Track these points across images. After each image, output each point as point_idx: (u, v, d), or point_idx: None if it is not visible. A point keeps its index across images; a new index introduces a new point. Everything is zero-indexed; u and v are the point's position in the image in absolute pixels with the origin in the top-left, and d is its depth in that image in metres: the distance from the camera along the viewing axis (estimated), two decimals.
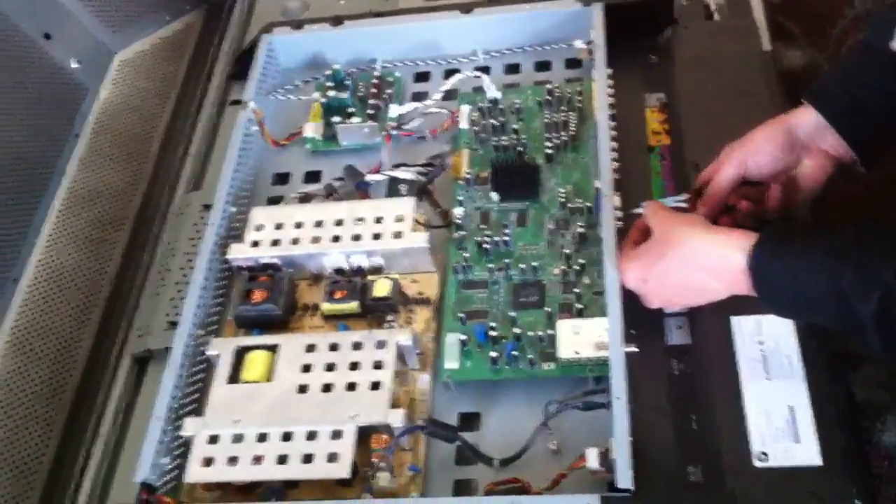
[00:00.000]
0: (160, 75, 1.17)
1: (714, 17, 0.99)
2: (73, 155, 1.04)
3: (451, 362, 0.75)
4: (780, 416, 0.67)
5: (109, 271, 0.98)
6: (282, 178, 0.97)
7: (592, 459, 0.66)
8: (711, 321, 0.74)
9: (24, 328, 0.90)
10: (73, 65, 1.08)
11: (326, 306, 0.80)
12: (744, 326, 0.73)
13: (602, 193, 0.79)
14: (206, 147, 1.04)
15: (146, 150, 1.09)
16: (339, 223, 0.83)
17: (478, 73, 0.95)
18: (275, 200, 0.94)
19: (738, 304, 0.71)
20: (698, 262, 0.68)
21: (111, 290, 0.97)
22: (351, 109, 0.97)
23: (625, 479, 0.63)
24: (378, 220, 0.83)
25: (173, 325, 0.85)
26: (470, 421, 0.75)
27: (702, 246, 0.67)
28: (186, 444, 0.73)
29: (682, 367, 0.73)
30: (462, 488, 0.71)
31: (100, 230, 1.01)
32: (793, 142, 0.74)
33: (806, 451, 0.65)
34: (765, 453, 0.66)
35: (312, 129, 0.97)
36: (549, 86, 0.93)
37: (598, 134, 0.84)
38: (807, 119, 0.73)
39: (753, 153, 0.75)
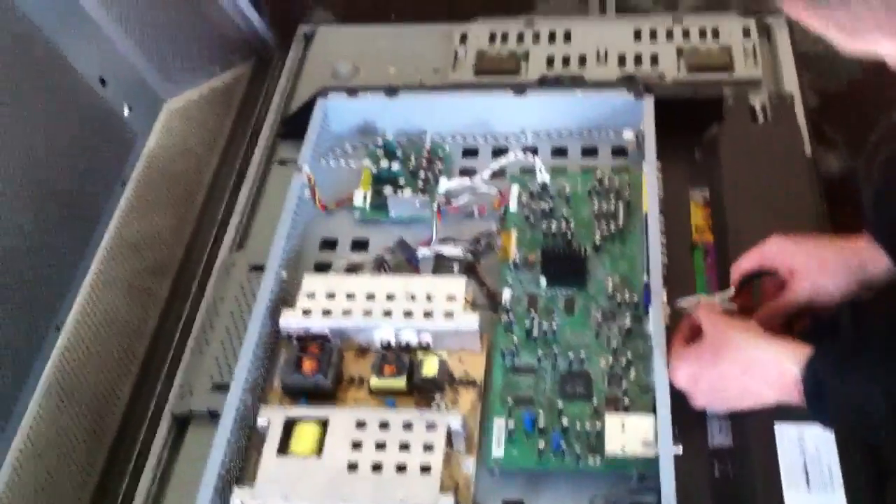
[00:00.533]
0: (208, 126, 1.19)
1: (759, 118, 1.01)
2: (120, 202, 1.05)
3: (499, 450, 0.77)
4: None
5: (150, 322, 0.99)
6: (329, 244, 0.98)
7: None
8: (753, 425, 0.75)
9: (64, 376, 0.90)
10: (126, 111, 1.10)
11: (375, 382, 0.82)
12: (786, 434, 0.74)
13: (652, 290, 0.81)
14: (251, 204, 1.06)
15: (191, 202, 1.10)
16: (390, 297, 0.85)
17: (530, 156, 0.97)
18: (322, 266, 0.96)
19: (780, 410, 0.73)
20: (753, 370, 0.70)
21: (151, 341, 0.98)
22: (402, 180, 0.99)
23: None
24: (429, 298, 0.84)
25: (218, 387, 0.86)
26: None
27: (757, 354, 0.70)
28: None
29: (724, 469, 0.75)
30: None
31: (142, 279, 1.02)
32: (864, 278, 0.76)
33: None
34: None
35: (362, 197, 0.99)
36: (598, 174, 0.96)
37: (649, 229, 0.86)
38: (879, 264, 0.75)
39: (826, 280, 0.77)
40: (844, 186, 1.00)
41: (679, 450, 0.72)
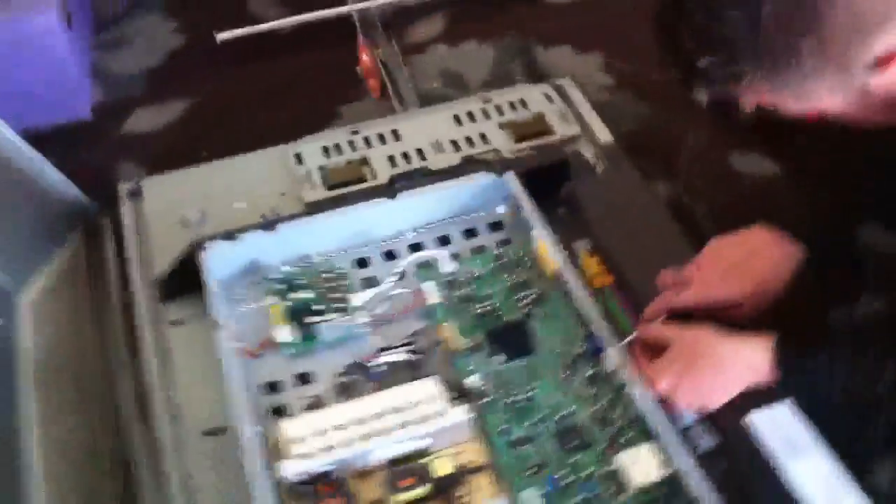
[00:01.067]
0: (71, 308, 1.14)
1: (596, 168, 1.16)
2: (30, 415, 0.99)
3: None
4: (825, 486, 0.82)
5: None
6: (271, 387, 0.99)
7: None
8: (730, 421, 0.88)
9: None
10: None
11: (397, 497, 0.85)
12: (761, 420, 0.87)
13: (596, 335, 0.92)
14: (165, 375, 1.03)
15: (94, 389, 1.05)
16: (378, 416, 0.89)
17: (431, 252, 1.05)
18: (277, 410, 0.97)
19: (747, 401, 0.87)
20: (726, 364, 0.83)
21: None
22: (320, 307, 1.02)
23: None
24: (415, 405, 0.89)
25: None
26: None
27: (727, 348, 0.84)
28: None
29: (723, 468, 0.86)
30: None
31: (91, 483, 0.97)
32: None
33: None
34: None
35: (288, 333, 1.01)
36: (493, 252, 1.06)
37: (570, 284, 0.97)
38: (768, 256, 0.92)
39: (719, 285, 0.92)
40: (676, 210, 1.17)
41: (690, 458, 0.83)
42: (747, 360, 0.83)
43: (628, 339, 0.92)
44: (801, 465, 0.84)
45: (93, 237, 1.24)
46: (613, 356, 0.91)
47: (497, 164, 1.11)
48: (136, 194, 1.24)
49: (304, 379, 0.99)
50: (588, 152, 1.18)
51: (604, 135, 1.21)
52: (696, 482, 0.81)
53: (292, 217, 1.10)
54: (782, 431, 0.87)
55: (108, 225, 1.24)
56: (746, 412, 0.88)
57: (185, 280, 1.06)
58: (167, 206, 1.20)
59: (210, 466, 0.93)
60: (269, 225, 1.08)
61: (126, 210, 1.22)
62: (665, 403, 0.87)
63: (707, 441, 0.88)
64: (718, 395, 0.86)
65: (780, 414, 0.88)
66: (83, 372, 1.08)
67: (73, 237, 1.23)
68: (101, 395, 1.05)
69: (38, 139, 1.22)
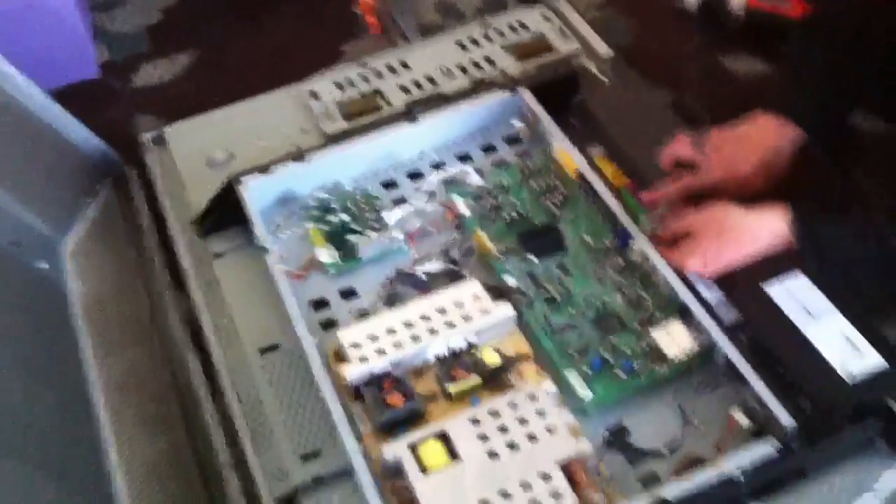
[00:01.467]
0: (113, 254, 1.19)
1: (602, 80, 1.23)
2: (86, 353, 1.04)
3: (585, 392, 0.90)
4: (842, 344, 0.90)
5: (181, 445, 1.00)
6: (319, 305, 1.05)
7: (741, 417, 0.86)
8: (750, 296, 0.95)
9: None
10: (42, 265, 1.08)
11: (454, 388, 0.92)
12: (777, 291, 0.95)
13: (626, 226, 0.99)
14: (214, 302, 1.09)
15: (143, 328, 1.11)
16: (425, 318, 0.95)
17: (461, 167, 1.11)
18: (327, 324, 1.03)
19: (761, 275, 0.94)
20: (751, 235, 0.91)
21: (200, 466, 0.99)
22: (356, 227, 1.08)
23: (786, 417, 0.83)
24: (460, 305, 0.96)
25: (306, 457, 0.92)
26: (620, 433, 0.90)
27: (751, 220, 0.92)
28: None
29: (749, 337, 0.94)
30: (650, 482, 0.86)
31: (150, 410, 1.03)
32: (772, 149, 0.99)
33: (872, 358, 0.89)
34: (848, 371, 0.88)
35: (327, 254, 1.07)
36: (518, 164, 1.12)
37: (593, 184, 1.04)
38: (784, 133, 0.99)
39: (736, 155, 1.00)
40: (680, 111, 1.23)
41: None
42: (769, 227, 0.90)
43: (651, 228, 0.98)
44: (818, 328, 0.91)
45: (122, 187, 1.28)
46: (641, 245, 0.98)
47: (510, 82, 1.17)
48: (159, 142, 1.28)
49: (349, 295, 1.05)
50: (592, 66, 1.24)
51: (603, 49, 1.27)
52: (727, 346, 0.88)
53: (320, 147, 1.15)
54: (797, 299, 0.94)
55: (134, 175, 1.28)
56: (762, 285, 0.95)
57: (222, 215, 1.12)
58: (193, 149, 1.25)
59: (269, 380, 0.98)
60: (299, 156, 1.13)
61: (152, 158, 1.27)
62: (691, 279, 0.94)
63: (730, 315, 0.95)
64: (739, 259, 0.93)
65: (794, 283, 0.95)
66: (131, 311, 1.13)
67: (104, 188, 1.27)
68: (151, 330, 1.10)
69: (54, 98, 1.26)
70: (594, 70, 1.23)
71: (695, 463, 0.85)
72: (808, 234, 0.89)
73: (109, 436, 0.98)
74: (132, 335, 1.10)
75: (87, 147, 1.26)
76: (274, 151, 1.20)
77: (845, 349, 0.90)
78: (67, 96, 1.42)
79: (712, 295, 0.97)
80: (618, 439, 0.89)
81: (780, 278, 0.95)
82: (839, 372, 0.88)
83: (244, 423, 0.97)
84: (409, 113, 1.17)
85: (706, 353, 0.91)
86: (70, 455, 0.94)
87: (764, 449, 0.83)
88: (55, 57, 1.46)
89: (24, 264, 1.05)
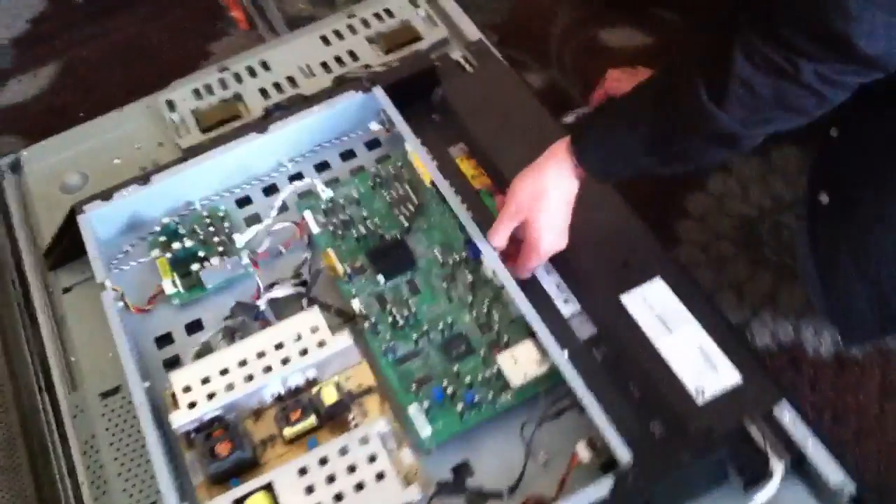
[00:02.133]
0: None
1: (467, 68, 1.15)
2: None
3: (425, 430, 0.84)
4: (695, 357, 0.84)
5: (29, 498, 0.96)
6: (164, 340, 0.99)
7: (583, 452, 0.80)
8: (606, 308, 0.89)
9: None
10: None
11: (288, 431, 0.86)
12: (631, 300, 0.89)
13: (476, 241, 0.92)
14: (60, 342, 1.03)
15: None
16: (261, 355, 0.89)
17: (306, 180, 1.04)
18: (171, 362, 0.97)
19: (621, 285, 0.88)
20: (540, 179, 0.86)
21: None
22: (202, 253, 1.01)
23: (624, 453, 0.77)
24: (296, 338, 0.90)
25: None
26: (463, 471, 0.84)
27: (536, 166, 0.87)
28: None
29: (603, 353, 0.88)
30: None
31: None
32: None
33: (727, 374, 0.83)
34: (699, 389, 0.82)
35: (172, 285, 1.01)
36: (371, 171, 1.05)
37: (444, 192, 0.97)
38: None
39: None
40: (552, 94, 1.16)
41: (566, 353, 0.84)
42: (551, 162, 0.86)
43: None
44: (671, 340, 0.85)
45: None
46: (489, 258, 0.91)
47: (363, 81, 1.09)
48: (16, 167, 1.22)
49: (196, 327, 0.99)
50: (457, 53, 1.16)
51: (472, 32, 1.19)
52: (567, 370, 0.82)
53: (166, 166, 1.09)
54: (653, 308, 0.87)
55: None
56: (620, 295, 0.89)
57: (71, 246, 1.06)
58: (48, 174, 1.19)
59: (108, 427, 0.93)
60: (142, 178, 1.07)
61: (7, 184, 1.21)
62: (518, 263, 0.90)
63: (587, 329, 0.89)
64: (551, 214, 0.88)
65: (651, 291, 0.89)
66: None
67: None
68: (3, 370, 1.05)
69: None
70: (458, 58, 1.15)
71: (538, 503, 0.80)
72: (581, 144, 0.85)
73: None
74: None
75: None
76: (129, 169, 1.14)
77: (698, 364, 0.83)
78: None
79: (569, 308, 0.91)
80: (458, 479, 0.83)
81: (637, 286, 0.89)
82: (689, 390, 0.82)
83: (84, 474, 0.92)
84: (262, 121, 1.10)
85: (552, 379, 0.85)
86: None
87: (603, 487, 0.77)
88: None
89: None
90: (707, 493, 0.78)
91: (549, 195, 0.86)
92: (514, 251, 0.92)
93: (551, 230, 0.88)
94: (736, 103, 0.75)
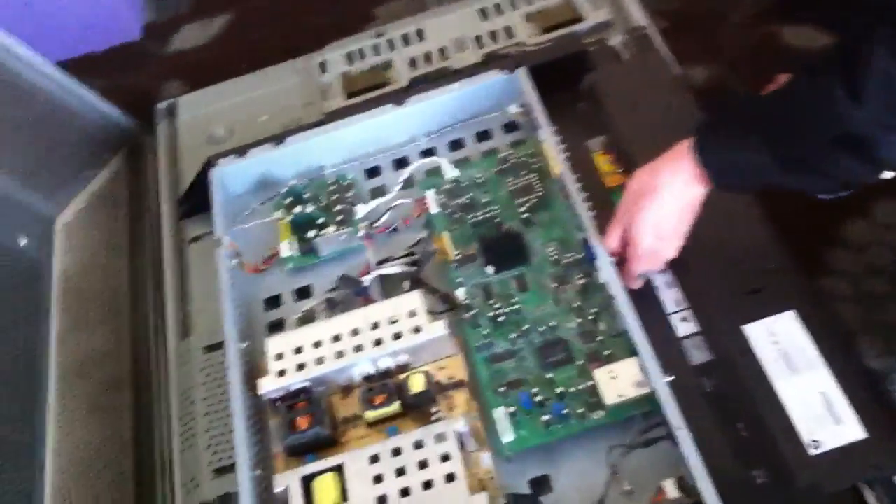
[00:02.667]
0: (106, 229, 1.17)
1: (623, 56, 1.07)
2: (50, 332, 1.03)
3: (507, 436, 0.80)
4: (816, 404, 0.75)
5: (126, 435, 0.98)
6: (273, 302, 0.99)
7: (671, 490, 0.72)
8: (726, 335, 0.81)
9: None
10: (22, 242, 1.07)
11: (370, 414, 0.83)
12: (755, 332, 0.80)
13: (592, 243, 0.85)
14: (180, 291, 1.05)
15: (119, 308, 1.09)
16: (356, 332, 0.87)
17: (432, 158, 1.00)
18: (275, 325, 0.97)
19: (746, 314, 0.79)
20: (658, 183, 0.78)
21: (136, 452, 0.97)
22: (321, 220, 1.00)
23: (712, 498, 0.69)
24: (392, 321, 0.86)
25: (220, 471, 0.87)
26: (541, 484, 0.79)
27: (653, 168, 0.79)
28: None
29: (714, 383, 0.80)
30: None
31: (102, 398, 1.01)
32: None
33: (850, 429, 0.73)
34: (815, 441, 0.73)
35: (288, 248, 1.00)
36: (500, 154, 1.00)
37: (568, 187, 0.90)
38: None
39: None
40: (713, 94, 1.07)
41: (670, 379, 0.77)
42: (669, 165, 0.77)
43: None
44: (792, 382, 0.76)
45: (136, 157, 1.26)
46: (604, 264, 0.84)
47: (510, 60, 1.04)
48: (171, 113, 1.25)
49: (304, 294, 0.98)
50: (617, 39, 1.09)
51: (638, 16, 1.11)
52: (667, 400, 0.75)
53: (302, 129, 1.08)
54: (781, 344, 0.78)
55: (149, 144, 1.25)
56: (744, 324, 0.80)
57: (203, 197, 1.07)
58: (198, 123, 1.21)
59: (204, 381, 0.94)
60: (278, 139, 1.07)
61: (161, 129, 1.24)
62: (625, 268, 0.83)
63: (701, 354, 0.82)
64: (667, 221, 0.79)
65: (780, 324, 0.79)
66: (108, 291, 1.11)
67: (116, 159, 1.25)
68: (124, 314, 1.08)
69: (91, 63, 1.25)
70: (617, 44, 1.07)
71: None
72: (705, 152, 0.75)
73: (56, 417, 0.96)
74: (102, 315, 1.08)
75: (101, 116, 1.24)
76: (273, 128, 1.14)
77: (819, 412, 0.74)
78: (107, 59, 1.42)
79: (685, 328, 0.83)
80: (533, 494, 0.78)
81: (766, 317, 0.80)
82: (803, 439, 0.73)
83: (177, 424, 0.93)
84: (401, 93, 1.07)
85: (649, 404, 0.78)
86: (7, 434, 0.92)
87: None
88: (100, 19, 1.45)
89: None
90: None
91: (659, 194, 0.78)
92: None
93: (655, 233, 0.80)
94: (873, 97, 0.65)
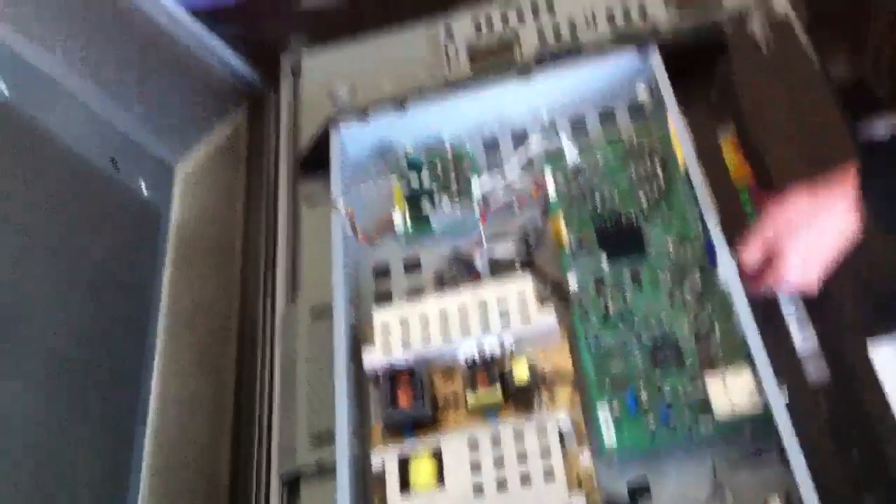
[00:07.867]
0: (224, 182, 1.19)
1: (762, 46, 1.02)
2: (163, 280, 1.06)
3: (610, 438, 0.78)
4: None
5: (228, 391, 1.00)
6: (382, 272, 0.99)
7: None
8: (850, 355, 0.77)
9: (161, 468, 0.91)
10: (143, 186, 1.10)
11: (473, 400, 0.83)
12: (885, 354, 0.76)
13: (715, 241, 0.82)
14: (292, 251, 1.06)
15: (231, 263, 1.10)
16: (463, 312, 0.86)
17: (554, 138, 0.98)
18: (381, 296, 0.96)
19: (876, 332, 0.75)
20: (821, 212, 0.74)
21: (236, 410, 0.98)
22: (436, 192, 0.99)
23: None
24: (501, 303, 0.85)
25: (318, 438, 0.87)
26: (639, 492, 0.77)
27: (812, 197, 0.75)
28: None
29: (832, 403, 0.76)
30: None
31: (208, 352, 1.03)
32: None
33: None
34: None
35: (401, 219, 0.99)
36: (624, 140, 0.97)
37: (693, 181, 0.87)
38: None
39: None
40: (858, 90, 1.01)
41: (786, 395, 0.74)
42: (832, 194, 0.74)
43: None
44: None
45: (257, 110, 1.27)
46: (726, 267, 0.81)
47: (642, 40, 1.00)
48: (296, 69, 1.25)
49: (414, 267, 0.98)
50: (756, 26, 1.03)
51: (780, 4, 1.05)
52: (782, 418, 0.72)
53: (424, 96, 1.06)
54: None
55: (272, 101, 1.26)
56: (870, 341, 0.76)
57: (322, 157, 1.07)
58: (322, 81, 1.20)
59: (307, 346, 0.94)
60: (400, 105, 1.05)
61: (285, 85, 1.24)
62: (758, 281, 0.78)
63: (820, 373, 0.78)
64: (814, 244, 0.75)
65: None
66: (221, 242, 1.13)
67: (238, 111, 1.26)
68: (234, 268, 1.09)
69: (217, 14, 1.25)
70: (756, 30, 1.02)
71: None
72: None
73: (161, 364, 0.99)
74: (214, 265, 1.10)
75: (226, 68, 1.25)
76: (395, 91, 1.13)
77: None
78: (235, 11, 1.42)
79: (806, 345, 0.79)
80: (632, 499, 0.76)
81: (892, 336, 0.76)
82: None
83: (279, 386, 0.94)
84: (526, 67, 1.05)
85: (761, 418, 0.75)
86: (117, 370, 0.95)
87: None
88: None
89: (119, 183, 1.06)
90: None
91: (819, 225, 0.74)
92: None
93: (805, 266, 0.76)
94: None
